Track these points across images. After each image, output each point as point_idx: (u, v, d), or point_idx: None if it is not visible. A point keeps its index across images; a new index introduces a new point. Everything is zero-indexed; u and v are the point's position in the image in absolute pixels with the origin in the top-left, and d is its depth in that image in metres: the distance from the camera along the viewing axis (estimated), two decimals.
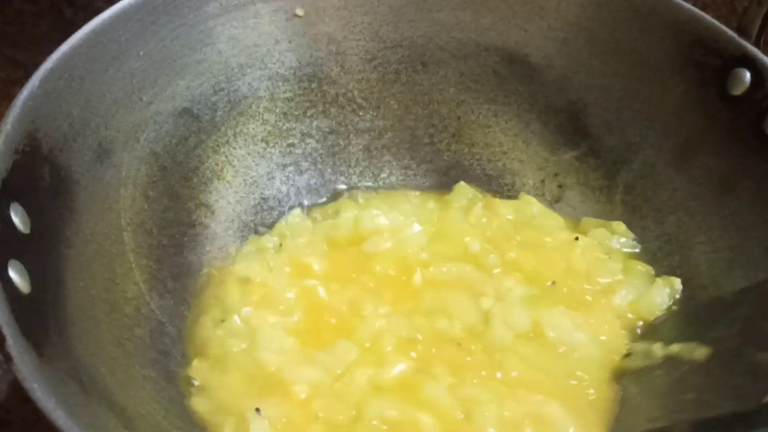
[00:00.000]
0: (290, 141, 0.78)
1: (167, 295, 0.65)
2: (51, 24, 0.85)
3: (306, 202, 0.77)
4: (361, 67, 0.79)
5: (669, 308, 0.66)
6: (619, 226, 0.73)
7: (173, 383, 0.59)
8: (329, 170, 0.80)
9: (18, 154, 0.50)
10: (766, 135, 0.62)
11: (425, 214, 0.75)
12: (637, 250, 0.72)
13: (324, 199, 0.78)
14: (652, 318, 0.65)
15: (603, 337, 0.64)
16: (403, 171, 0.81)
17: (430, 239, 0.72)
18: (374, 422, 0.56)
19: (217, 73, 0.72)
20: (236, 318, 0.63)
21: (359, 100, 0.80)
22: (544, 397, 0.58)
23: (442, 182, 0.80)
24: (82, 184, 0.57)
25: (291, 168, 0.78)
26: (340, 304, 0.65)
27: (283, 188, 0.77)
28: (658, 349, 0.60)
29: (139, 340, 0.59)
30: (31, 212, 0.50)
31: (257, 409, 0.56)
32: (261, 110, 0.76)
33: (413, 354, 0.61)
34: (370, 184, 0.80)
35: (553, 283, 0.68)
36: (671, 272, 0.68)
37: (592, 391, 0.60)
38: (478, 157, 0.81)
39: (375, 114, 0.80)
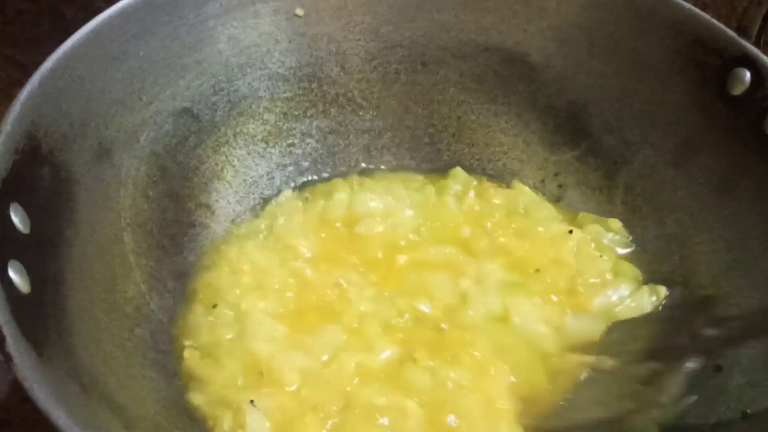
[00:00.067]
0: (290, 141, 0.78)
1: (167, 295, 0.65)
2: (51, 24, 0.85)
3: (298, 182, 0.78)
4: (361, 67, 0.79)
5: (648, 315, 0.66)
6: (615, 223, 0.73)
7: (173, 383, 0.59)
8: (329, 170, 0.80)
9: (18, 154, 0.50)
10: (766, 135, 0.62)
11: (419, 198, 0.76)
12: (630, 250, 0.72)
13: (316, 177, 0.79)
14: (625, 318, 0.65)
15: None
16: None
17: (421, 223, 0.73)
18: (363, 410, 0.57)
19: (217, 73, 0.72)
20: (226, 304, 0.64)
21: (359, 100, 0.80)
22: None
23: None
24: (82, 184, 0.57)
25: (291, 168, 0.78)
26: (327, 287, 0.66)
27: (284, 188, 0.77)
28: (606, 360, 0.60)
29: (139, 340, 0.59)
30: (31, 212, 0.50)
31: (252, 402, 0.56)
32: (261, 110, 0.77)
33: (397, 336, 0.63)
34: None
35: (537, 270, 0.68)
36: (671, 272, 0.68)
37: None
38: (478, 157, 0.81)
39: (375, 114, 0.80)
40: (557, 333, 0.64)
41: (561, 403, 0.59)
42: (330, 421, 0.56)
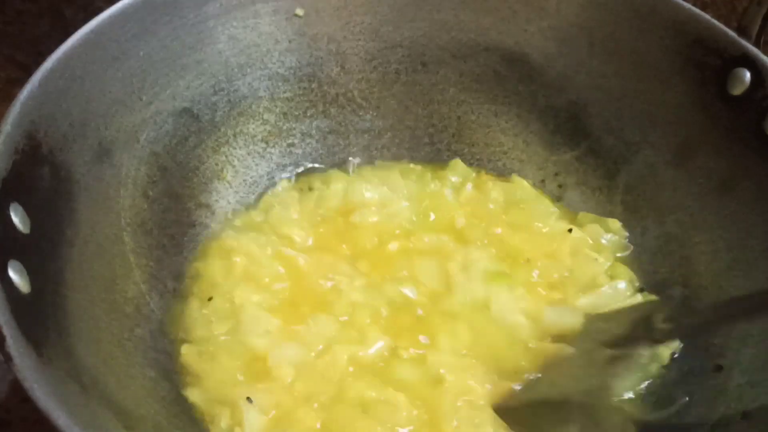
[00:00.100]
0: (290, 141, 0.78)
1: (167, 295, 0.65)
2: (51, 24, 0.85)
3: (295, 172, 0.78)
4: (361, 67, 0.79)
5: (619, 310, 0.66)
6: (614, 223, 0.73)
7: (173, 382, 0.59)
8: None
9: (18, 154, 0.50)
10: (766, 135, 0.62)
11: (416, 188, 0.76)
12: (628, 252, 0.72)
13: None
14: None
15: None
16: None
17: (417, 213, 0.73)
18: (355, 403, 0.58)
19: (217, 73, 0.72)
20: (220, 296, 0.64)
21: (359, 100, 0.80)
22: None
23: None
24: (82, 184, 0.57)
25: (291, 168, 0.78)
26: (318, 277, 0.66)
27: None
28: (567, 349, 0.62)
29: (139, 340, 0.59)
30: (31, 212, 0.50)
31: (249, 399, 0.56)
32: (261, 110, 0.77)
33: (385, 325, 0.63)
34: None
35: (528, 260, 0.69)
36: (671, 272, 0.68)
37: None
38: (478, 157, 0.81)
39: (375, 114, 0.80)
40: (535, 323, 0.65)
41: (530, 379, 0.61)
42: (324, 414, 0.57)
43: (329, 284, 0.66)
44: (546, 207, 0.76)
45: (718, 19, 0.66)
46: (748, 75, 0.63)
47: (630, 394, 0.60)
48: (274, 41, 0.75)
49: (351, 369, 0.60)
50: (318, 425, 0.56)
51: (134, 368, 0.56)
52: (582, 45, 0.74)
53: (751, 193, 0.64)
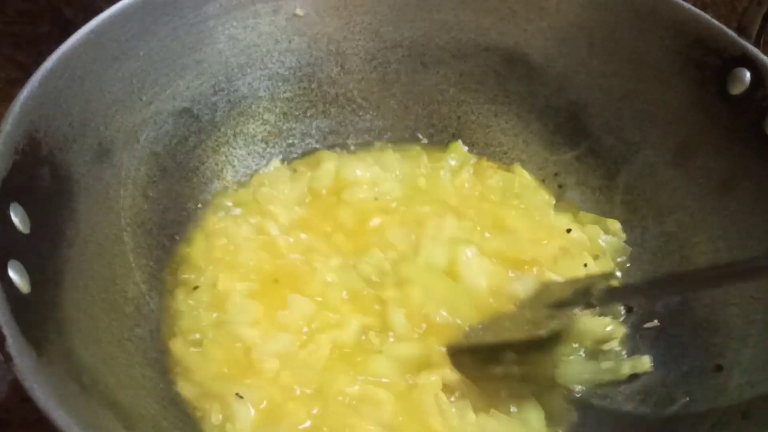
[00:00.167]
0: (290, 141, 0.78)
1: (167, 295, 0.65)
2: (51, 24, 0.85)
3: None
4: (361, 67, 0.79)
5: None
6: (614, 224, 0.73)
7: (171, 380, 0.59)
8: None
9: (18, 154, 0.50)
10: (766, 135, 0.62)
11: (410, 168, 0.77)
12: (625, 257, 0.72)
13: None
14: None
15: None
16: None
17: (407, 193, 0.74)
18: (340, 397, 0.59)
19: (217, 73, 0.72)
20: (204, 284, 0.64)
21: (359, 100, 0.80)
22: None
23: None
24: (82, 184, 0.57)
25: None
26: (296, 257, 0.67)
27: None
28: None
29: (139, 340, 0.59)
30: (31, 212, 0.50)
31: (239, 395, 0.56)
32: (261, 110, 0.77)
33: (359, 301, 0.64)
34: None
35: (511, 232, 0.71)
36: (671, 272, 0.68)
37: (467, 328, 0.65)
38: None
39: (375, 114, 0.80)
40: (494, 287, 0.67)
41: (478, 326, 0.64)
42: (315, 408, 0.58)
43: (306, 264, 0.66)
44: (544, 199, 0.76)
45: (718, 19, 0.66)
46: (748, 75, 0.63)
47: (579, 386, 0.63)
48: (274, 41, 0.75)
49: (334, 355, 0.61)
50: (308, 423, 0.57)
51: (134, 368, 0.56)
52: (582, 45, 0.74)
53: (751, 193, 0.64)
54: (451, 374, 0.61)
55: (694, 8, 0.68)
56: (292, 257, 0.67)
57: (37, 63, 0.55)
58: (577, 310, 0.59)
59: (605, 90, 0.74)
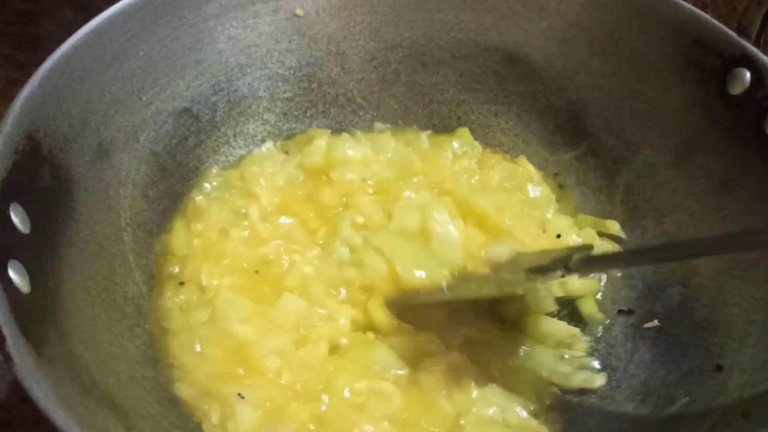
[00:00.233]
0: None
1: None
2: (51, 24, 0.85)
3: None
4: (361, 67, 0.79)
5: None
6: (613, 224, 0.73)
7: (168, 380, 0.59)
8: None
9: (18, 154, 0.50)
10: (766, 135, 0.62)
11: (407, 152, 0.76)
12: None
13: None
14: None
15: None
16: None
17: (399, 174, 0.73)
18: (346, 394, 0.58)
19: (217, 73, 0.73)
20: (189, 280, 0.63)
21: (359, 100, 0.80)
22: None
23: None
24: (82, 184, 0.57)
25: None
26: (276, 243, 0.66)
27: None
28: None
29: (139, 340, 0.59)
30: (31, 212, 0.50)
31: (240, 395, 0.56)
32: (261, 110, 0.77)
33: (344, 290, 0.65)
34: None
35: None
36: (671, 272, 0.68)
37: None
38: None
39: (375, 114, 0.80)
40: (470, 251, 0.67)
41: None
42: (320, 407, 0.57)
43: (286, 253, 0.66)
44: (547, 195, 0.76)
45: (718, 19, 0.66)
46: (748, 75, 0.63)
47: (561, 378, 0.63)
48: (274, 41, 0.75)
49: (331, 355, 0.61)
50: (312, 426, 0.57)
51: (134, 368, 0.56)
52: (582, 45, 0.74)
53: (751, 193, 0.64)
54: (451, 354, 0.61)
55: (694, 8, 0.68)
56: (271, 245, 0.66)
57: (37, 63, 0.55)
58: (557, 274, 0.58)
59: (605, 90, 0.74)
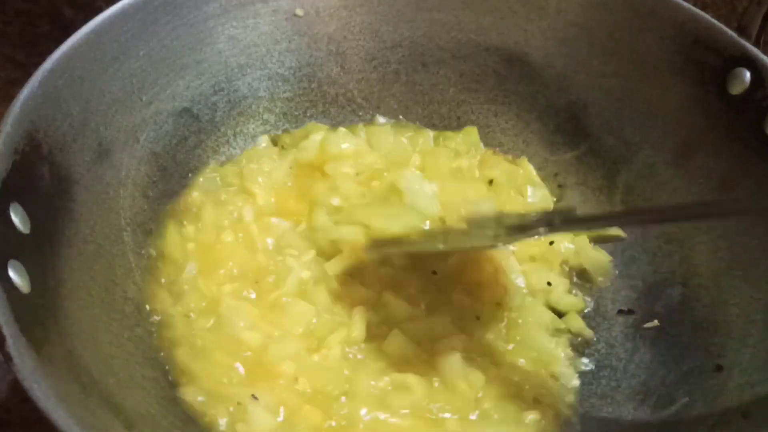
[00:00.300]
0: None
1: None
2: (51, 24, 0.85)
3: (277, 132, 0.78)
4: (361, 67, 0.79)
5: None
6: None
7: (172, 382, 0.59)
8: None
9: (18, 154, 0.50)
10: (766, 135, 0.62)
11: (404, 147, 0.76)
12: (606, 278, 0.71)
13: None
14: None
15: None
16: None
17: (392, 168, 0.73)
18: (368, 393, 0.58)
19: (217, 73, 0.72)
20: (192, 289, 0.63)
21: (359, 100, 0.80)
22: None
23: None
24: (82, 184, 0.57)
25: None
26: (271, 250, 0.66)
27: None
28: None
29: (139, 340, 0.59)
30: (31, 212, 0.50)
31: (254, 396, 0.56)
32: (261, 110, 0.77)
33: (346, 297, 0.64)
34: None
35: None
36: (671, 272, 0.68)
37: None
38: None
39: (375, 114, 0.80)
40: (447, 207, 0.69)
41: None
42: (340, 409, 0.57)
43: (280, 259, 0.66)
44: (545, 198, 0.76)
45: (718, 19, 0.66)
46: (747, 75, 0.63)
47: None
48: (274, 41, 0.75)
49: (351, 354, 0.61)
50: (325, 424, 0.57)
51: (134, 368, 0.56)
52: (582, 45, 0.74)
53: (751, 193, 0.64)
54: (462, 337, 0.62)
55: (694, 8, 0.68)
56: (267, 250, 0.66)
57: (37, 63, 0.55)
58: (539, 232, 0.58)
59: (605, 90, 0.74)
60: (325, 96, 0.79)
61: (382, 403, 0.58)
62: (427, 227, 0.67)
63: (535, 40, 0.76)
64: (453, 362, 0.60)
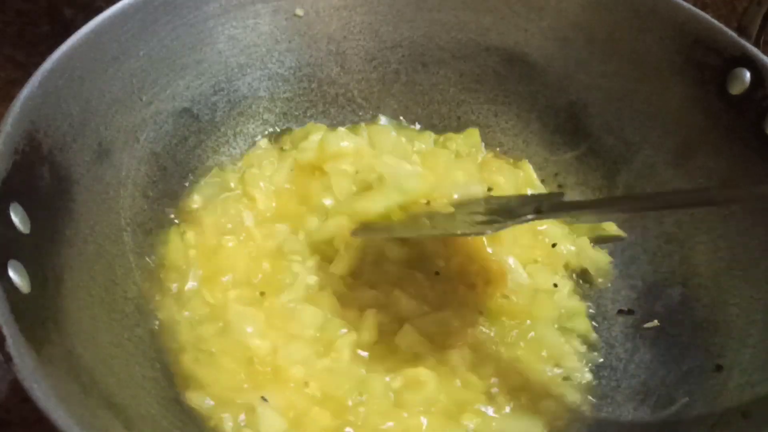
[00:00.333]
0: None
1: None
2: (51, 24, 0.85)
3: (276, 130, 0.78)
4: (361, 67, 0.79)
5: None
6: (610, 225, 0.73)
7: (173, 382, 0.59)
8: None
9: (18, 154, 0.50)
10: (766, 135, 0.62)
11: (405, 147, 0.76)
12: (606, 280, 0.71)
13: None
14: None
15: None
16: None
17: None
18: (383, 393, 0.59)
19: (217, 73, 0.73)
20: (195, 295, 0.63)
21: (359, 100, 0.80)
22: None
23: None
24: (82, 184, 0.57)
25: None
26: (272, 257, 0.66)
27: None
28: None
29: (139, 340, 0.59)
30: (31, 212, 0.49)
31: (263, 398, 0.56)
32: (261, 110, 0.77)
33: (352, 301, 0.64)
34: None
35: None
36: (671, 272, 0.68)
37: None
38: None
39: (375, 114, 0.80)
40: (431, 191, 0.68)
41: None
42: (354, 410, 0.57)
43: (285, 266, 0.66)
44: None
45: (718, 19, 0.66)
46: (747, 75, 0.63)
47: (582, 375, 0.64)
48: (274, 41, 0.75)
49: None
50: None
51: (134, 368, 0.56)
52: (582, 45, 0.74)
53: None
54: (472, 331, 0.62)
55: (694, 8, 0.68)
56: (270, 256, 0.66)
57: (37, 63, 0.55)
58: (527, 217, 0.58)
59: (605, 90, 0.74)
60: (325, 96, 0.79)
61: (397, 402, 0.58)
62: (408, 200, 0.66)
63: (535, 40, 0.76)
64: (464, 356, 0.61)
